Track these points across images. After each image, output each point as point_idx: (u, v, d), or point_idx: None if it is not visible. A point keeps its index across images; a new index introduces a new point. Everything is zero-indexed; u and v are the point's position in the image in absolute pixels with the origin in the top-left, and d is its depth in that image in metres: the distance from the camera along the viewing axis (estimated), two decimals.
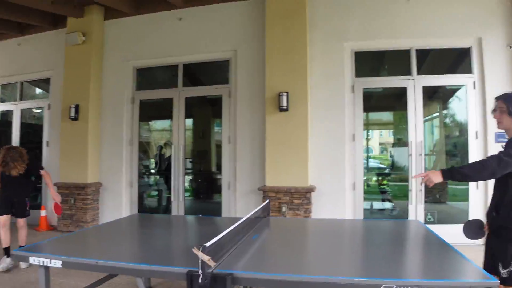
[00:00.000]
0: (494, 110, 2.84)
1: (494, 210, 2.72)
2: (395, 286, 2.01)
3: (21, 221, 5.43)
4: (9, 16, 7.51)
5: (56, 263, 2.60)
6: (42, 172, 5.66)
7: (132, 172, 7.71)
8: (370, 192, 7.44)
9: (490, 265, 2.62)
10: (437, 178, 2.69)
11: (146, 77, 8.07)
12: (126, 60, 7.79)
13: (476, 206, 6.02)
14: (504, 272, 2.59)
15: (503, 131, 2.84)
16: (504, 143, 2.74)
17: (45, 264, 2.65)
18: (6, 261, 5.06)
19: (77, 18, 7.74)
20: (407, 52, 6.49)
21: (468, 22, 6.19)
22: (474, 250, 3.05)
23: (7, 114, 9.21)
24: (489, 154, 5.48)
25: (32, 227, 7.85)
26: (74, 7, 7.56)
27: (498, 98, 2.84)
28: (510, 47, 6.05)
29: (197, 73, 8.01)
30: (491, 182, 2.89)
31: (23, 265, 5.09)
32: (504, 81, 6.05)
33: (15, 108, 8.91)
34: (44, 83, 8.86)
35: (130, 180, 7.67)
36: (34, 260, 2.68)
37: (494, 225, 2.74)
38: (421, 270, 2.54)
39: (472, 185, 6.11)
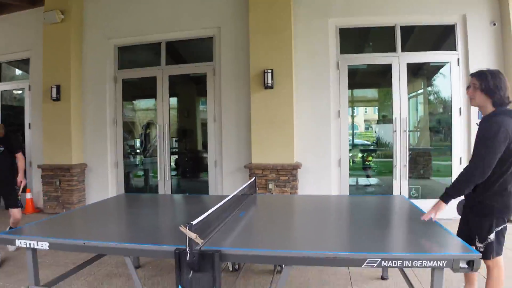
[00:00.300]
0: (468, 87, 2.90)
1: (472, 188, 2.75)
2: (379, 259, 2.08)
3: (15, 212, 5.01)
4: None
5: (43, 245, 2.61)
6: (19, 154, 5.21)
7: (117, 153, 7.65)
8: (355, 169, 7.53)
9: (465, 239, 2.62)
10: (442, 207, 2.76)
11: (128, 55, 7.92)
12: (107, 38, 7.61)
13: None
14: (480, 246, 2.73)
15: None
16: (479, 121, 2.84)
17: (32, 246, 2.65)
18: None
19: None
20: (391, 29, 6.49)
21: None
22: (457, 225, 3.13)
23: None
24: (472, 131, 5.60)
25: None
26: None
27: (472, 75, 2.87)
28: (494, 24, 6.10)
29: (180, 50, 7.88)
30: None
31: (11, 248, 4.95)
32: (488, 58, 6.12)
33: None
34: (23, 63, 8.64)
35: (115, 160, 7.62)
36: (21, 242, 2.68)
37: (471, 202, 2.83)
38: (405, 244, 2.61)
39: (455, 160, 6.25)
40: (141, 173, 8.58)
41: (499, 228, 2.74)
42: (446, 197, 2.75)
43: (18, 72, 9.08)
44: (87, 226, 3.22)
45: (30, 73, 8.24)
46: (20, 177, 5.09)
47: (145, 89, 8.28)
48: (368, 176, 7.58)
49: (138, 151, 8.66)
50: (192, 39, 7.38)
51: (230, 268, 4.14)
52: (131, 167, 8.24)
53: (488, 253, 2.73)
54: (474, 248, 2.44)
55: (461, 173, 2.72)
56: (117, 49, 7.73)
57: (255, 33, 6.40)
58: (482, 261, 2.35)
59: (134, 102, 8.70)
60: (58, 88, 7.35)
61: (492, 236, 2.72)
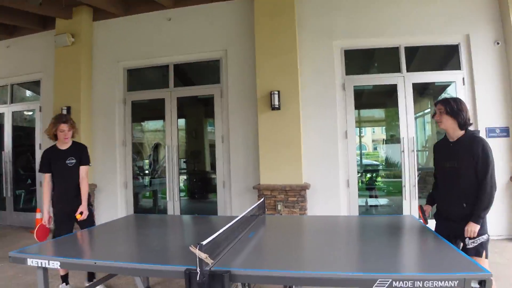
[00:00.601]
0: (434, 114, 3.27)
1: (460, 202, 3.07)
2: (390, 279, 2.06)
3: None
4: None
5: (55, 264, 2.63)
6: (85, 169, 4.39)
7: (126, 173, 7.70)
8: (364, 189, 7.50)
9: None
10: (476, 228, 2.98)
11: (137, 78, 8.05)
12: (116, 61, 7.76)
13: None
14: (470, 242, 3.00)
15: (493, 126, 3.15)
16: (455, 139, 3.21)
17: (43, 265, 2.67)
18: None
19: (65, 19, 7.69)
20: (396, 50, 6.57)
21: (456, 19, 6.28)
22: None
23: None
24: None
25: (27, 230, 7.87)
26: (62, 9, 7.51)
27: (436, 102, 3.27)
28: (498, 43, 6.15)
29: (188, 73, 8.01)
30: None
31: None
32: (492, 76, 6.16)
33: (6, 111, 8.85)
34: (34, 85, 8.81)
35: (124, 181, 7.66)
36: (32, 261, 2.70)
37: (461, 215, 3.06)
38: (416, 264, 2.60)
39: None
40: (149, 193, 8.61)
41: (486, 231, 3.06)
42: (479, 219, 2.97)
43: (28, 93, 9.24)
44: (98, 246, 3.24)
45: (41, 94, 8.39)
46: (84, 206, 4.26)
47: (154, 111, 8.38)
48: (376, 197, 7.54)
49: (147, 172, 8.71)
50: (199, 62, 7.50)
51: None
52: (140, 188, 8.28)
53: (479, 250, 2.99)
54: (464, 250, 2.88)
55: (484, 189, 2.96)
56: (126, 71, 7.86)
57: (261, 55, 6.50)
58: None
59: (142, 123, 8.79)
60: (68, 109, 7.47)
61: (485, 237, 3.01)
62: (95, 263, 2.55)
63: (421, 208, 3.63)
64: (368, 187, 7.69)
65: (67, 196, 4.23)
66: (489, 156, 2.99)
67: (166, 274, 2.57)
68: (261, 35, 6.53)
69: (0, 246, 6.55)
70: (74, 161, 4.26)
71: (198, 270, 2.15)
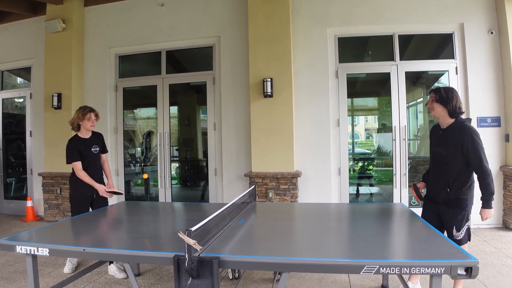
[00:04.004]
0: (427, 102, 3.42)
1: (446, 187, 3.26)
2: (377, 266, 2.09)
3: None
4: None
5: (43, 251, 2.63)
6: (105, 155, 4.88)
7: (117, 161, 7.67)
8: (355, 177, 7.53)
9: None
10: (490, 213, 3.21)
11: (129, 64, 7.98)
12: (108, 47, 7.68)
13: None
14: (458, 234, 3.22)
15: (485, 116, 3.32)
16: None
17: (32, 252, 2.67)
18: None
19: (56, 4, 7.56)
20: (389, 38, 6.55)
21: (450, 7, 6.27)
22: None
23: None
24: None
25: (18, 218, 7.84)
26: None
27: (430, 91, 3.45)
28: (492, 33, 6.15)
29: (180, 59, 7.94)
30: None
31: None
32: (485, 66, 6.18)
33: None
34: (25, 72, 8.70)
35: (115, 168, 7.62)
36: (21, 248, 2.69)
37: (447, 198, 3.28)
38: (404, 251, 2.62)
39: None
40: (141, 181, 8.59)
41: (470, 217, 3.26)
42: (488, 203, 3.16)
43: (19, 80, 9.13)
44: (88, 233, 3.22)
45: (32, 81, 8.30)
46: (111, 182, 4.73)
47: (146, 98, 8.32)
48: (371, 185, 7.57)
49: (138, 159, 8.68)
50: (192, 48, 7.43)
51: (230, 277, 4.14)
52: (132, 176, 8.25)
53: (465, 239, 3.23)
54: (450, 238, 3.14)
55: (483, 178, 3.11)
56: (118, 57, 7.79)
57: (255, 42, 6.45)
58: None
59: (134, 110, 8.73)
60: (59, 96, 7.40)
61: (468, 223, 3.24)
62: (84, 250, 2.54)
63: (414, 186, 3.72)
64: (359, 176, 7.72)
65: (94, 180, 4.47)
66: (479, 143, 3.11)
67: (156, 261, 2.56)
68: (254, 21, 6.48)
69: None
70: (98, 148, 4.65)
71: (186, 256, 2.15)
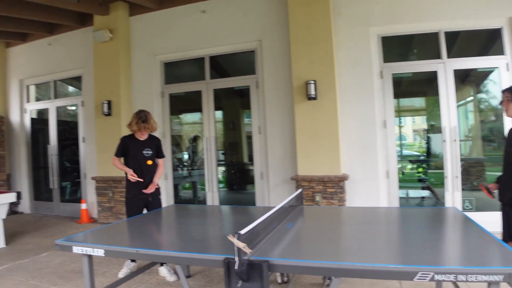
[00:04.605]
0: (501, 102, 3.34)
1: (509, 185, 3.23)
2: (432, 273, 1.99)
3: None
4: (38, 16, 7.74)
5: (99, 252, 2.73)
6: (162, 160, 4.98)
7: (166, 165, 7.85)
8: (405, 180, 7.31)
9: (507, 233, 3.19)
10: None
11: (174, 70, 8.19)
12: (153, 54, 7.92)
13: None
14: None
15: None
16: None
17: (88, 253, 2.78)
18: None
19: (103, 15, 7.92)
20: (435, 35, 6.32)
21: (497, 1, 5.95)
22: None
23: (43, 112, 9.57)
24: None
25: (73, 220, 8.22)
26: (99, 5, 7.74)
27: (504, 90, 3.33)
28: None
29: (224, 64, 8.06)
30: None
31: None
32: None
33: (51, 106, 9.24)
34: (76, 81, 9.14)
35: (164, 172, 7.81)
36: (77, 249, 2.81)
37: (508, 198, 3.25)
38: (459, 257, 2.51)
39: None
40: (189, 185, 8.77)
41: None
42: None
43: (71, 89, 9.59)
44: (140, 234, 3.33)
45: (83, 89, 8.70)
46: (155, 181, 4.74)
47: (191, 103, 8.51)
48: (420, 188, 7.33)
49: (186, 163, 8.86)
50: (234, 53, 7.52)
51: (279, 280, 4.15)
52: (180, 179, 8.44)
53: None
54: None
55: None
56: (163, 64, 8.00)
57: (296, 44, 6.43)
58: None
59: (181, 116, 8.93)
60: (109, 103, 7.71)
61: None
62: (137, 251, 2.63)
63: (483, 185, 3.70)
64: (409, 178, 7.50)
65: (141, 183, 4.58)
66: None
67: (206, 263, 2.60)
68: (295, 24, 6.46)
69: (49, 235, 6.87)
70: (150, 152, 4.71)
71: (236, 259, 2.17)
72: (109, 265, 4.99)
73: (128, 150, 4.67)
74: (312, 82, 6.20)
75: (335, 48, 6.38)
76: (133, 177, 4.48)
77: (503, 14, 5.95)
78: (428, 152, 7.55)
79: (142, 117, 4.58)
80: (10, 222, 8.08)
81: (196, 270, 4.64)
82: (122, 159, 4.76)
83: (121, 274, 4.55)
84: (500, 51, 6.07)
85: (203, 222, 3.91)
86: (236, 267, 2.17)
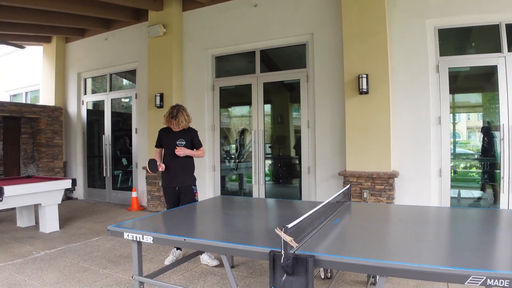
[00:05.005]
0: None
1: None
2: (484, 277, 1.90)
3: None
4: (95, 13, 8.14)
5: (148, 239, 2.83)
6: (201, 149, 5.06)
7: (214, 157, 8.02)
8: (457, 180, 7.00)
9: None
10: None
11: (225, 64, 8.28)
12: (205, 48, 8.05)
13: None
14: None
15: None
16: None
17: (138, 239, 2.89)
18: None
19: (157, 11, 8.18)
20: (495, 27, 5.96)
21: None
22: None
23: (99, 104, 10.01)
24: None
25: (124, 207, 8.56)
26: (154, 1, 8.01)
27: None
28: None
29: (274, 58, 8.05)
30: None
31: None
32: None
33: (106, 98, 9.64)
34: (130, 74, 9.48)
35: (212, 164, 7.99)
36: (128, 235, 2.93)
37: None
38: None
39: None
40: (236, 177, 8.88)
41: None
42: None
43: (125, 82, 9.95)
44: (187, 224, 3.41)
45: (137, 82, 9.00)
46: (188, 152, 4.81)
47: (240, 96, 8.59)
48: (474, 188, 7.00)
49: (233, 156, 8.97)
50: (285, 47, 7.49)
51: (322, 276, 4.12)
52: (227, 171, 8.56)
53: None
54: None
55: None
56: (214, 58, 8.12)
57: (349, 38, 6.31)
58: None
59: (229, 109, 9.04)
60: (161, 96, 7.93)
61: None
62: (184, 239, 2.70)
63: None
64: (461, 178, 7.17)
65: (175, 173, 4.80)
66: None
67: (251, 255, 2.62)
68: (348, 17, 6.33)
69: (100, 221, 7.21)
70: (184, 142, 4.81)
71: (282, 252, 2.17)
72: (156, 252, 5.17)
73: (164, 141, 4.91)
74: (364, 76, 6.06)
75: (389, 42, 6.20)
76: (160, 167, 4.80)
77: None
78: (485, 150, 7.17)
79: (172, 112, 4.74)
80: (65, 207, 8.55)
81: (239, 261, 4.71)
82: (162, 151, 5.00)
83: (167, 261, 4.69)
84: None
85: (249, 214, 3.95)
86: (281, 261, 2.17)
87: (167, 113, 4.78)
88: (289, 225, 2.24)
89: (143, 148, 8.58)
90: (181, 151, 4.70)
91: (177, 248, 4.78)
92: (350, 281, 4.08)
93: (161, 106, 7.91)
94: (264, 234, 2.94)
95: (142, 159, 8.64)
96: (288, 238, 2.17)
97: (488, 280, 1.89)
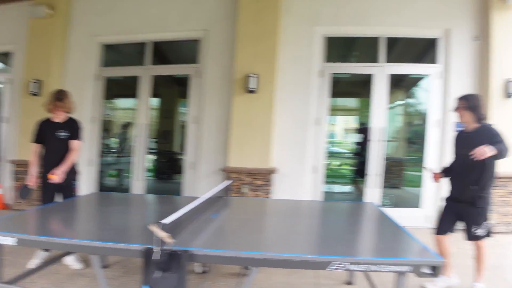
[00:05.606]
0: (456, 108, 3.67)
1: (473, 184, 3.49)
2: (344, 262, 2.12)
3: None
4: None
5: (11, 241, 2.54)
6: (77, 143, 4.44)
7: (92, 151, 7.55)
8: (330, 176, 7.59)
9: (443, 227, 3.69)
10: (491, 151, 3.19)
11: (113, 53, 7.88)
12: (93, 35, 7.56)
13: (428, 191, 6.35)
14: (480, 231, 3.49)
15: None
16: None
17: None
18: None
19: None
20: (375, 40, 6.58)
21: (438, 13, 6.31)
22: (424, 233, 3.21)
23: None
24: (447, 142, 5.69)
25: None
26: None
27: (460, 98, 3.68)
28: (478, 39, 6.17)
29: (167, 51, 7.87)
30: None
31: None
32: (468, 72, 6.24)
33: None
34: (5, 57, 8.51)
35: (89, 158, 7.51)
36: None
37: (472, 196, 3.51)
38: (371, 249, 2.67)
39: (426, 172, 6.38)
40: (116, 172, 8.49)
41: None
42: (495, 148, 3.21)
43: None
44: (57, 223, 3.18)
45: (13, 67, 8.10)
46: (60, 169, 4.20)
47: (127, 88, 8.24)
48: (343, 184, 7.64)
49: (114, 150, 8.57)
50: (179, 41, 7.37)
51: (198, 271, 4.11)
52: (106, 166, 8.14)
53: (485, 235, 3.51)
54: (469, 236, 3.53)
55: (502, 144, 3.29)
56: (103, 46, 7.68)
57: (243, 37, 6.46)
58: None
59: (114, 100, 8.63)
60: (38, 83, 7.26)
61: (488, 221, 3.51)
62: (52, 240, 2.51)
63: (428, 168, 4.26)
64: (334, 174, 7.78)
65: (54, 167, 4.25)
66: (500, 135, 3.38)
67: (124, 253, 2.51)
68: (244, 17, 6.48)
69: None
70: (65, 134, 4.37)
71: (156, 249, 2.14)
72: (21, 255, 4.67)
73: (44, 133, 4.43)
74: (254, 75, 6.25)
75: (281, 44, 6.48)
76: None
77: (441, 25, 6.35)
78: (357, 150, 7.87)
79: (57, 95, 4.42)
80: None
81: (114, 260, 4.48)
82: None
83: (32, 264, 4.24)
84: (434, 60, 6.45)
85: (126, 211, 3.82)
86: (157, 258, 2.13)
87: (51, 96, 4.41)
88: (163, 221, 2.21)
89: (13, 140, 7.73)
90: (57, 178, 4.16)
91: (45, 250, 4.32)
92: (225, 273, 4.12)
93: (37, 94, 7.23)
94: (140, 231, 2.86)
95: (10, 152, 7.77)
96: (163, 235, 2.13)
97: (348, 265, 2.12)
